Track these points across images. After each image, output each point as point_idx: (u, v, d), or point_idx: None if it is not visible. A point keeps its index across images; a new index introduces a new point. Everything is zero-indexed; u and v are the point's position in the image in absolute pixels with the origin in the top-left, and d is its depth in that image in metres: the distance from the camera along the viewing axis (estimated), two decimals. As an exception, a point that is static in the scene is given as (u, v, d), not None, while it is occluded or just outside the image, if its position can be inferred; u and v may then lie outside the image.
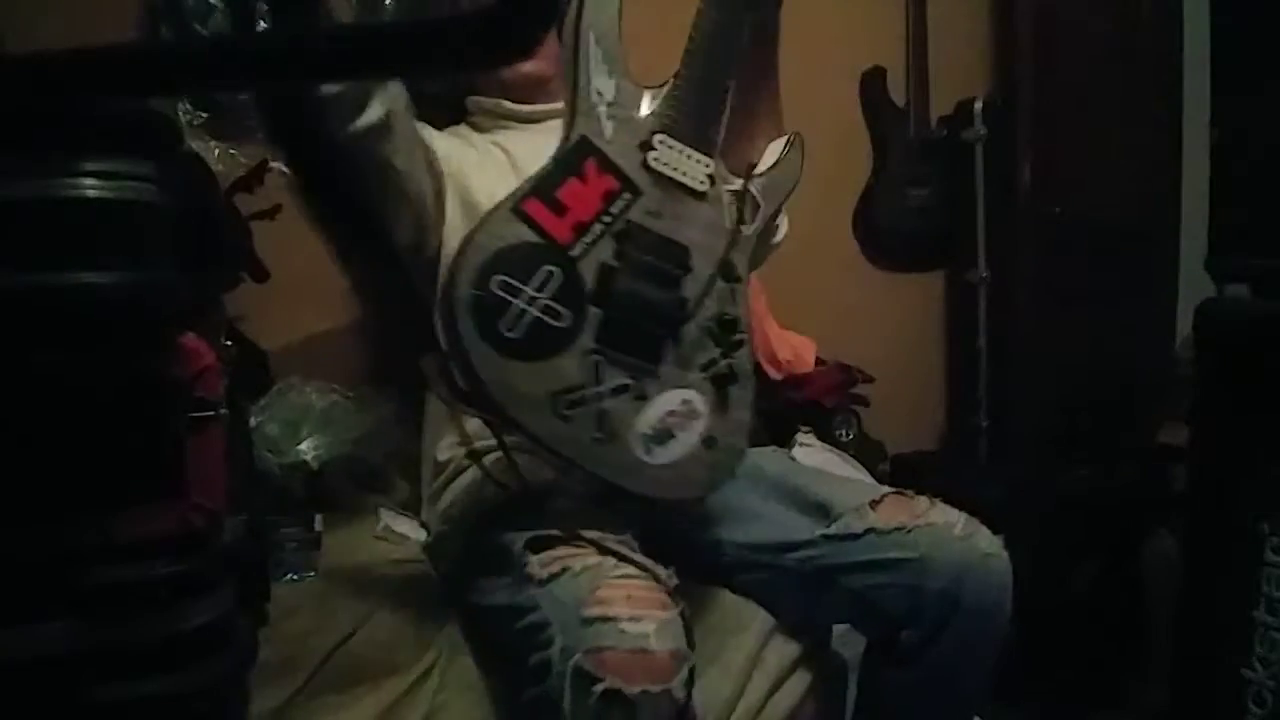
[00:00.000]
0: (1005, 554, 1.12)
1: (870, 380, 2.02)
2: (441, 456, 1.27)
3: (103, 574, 0.65)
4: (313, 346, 1.63)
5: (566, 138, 1.04)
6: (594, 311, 1.01)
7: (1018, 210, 2.11)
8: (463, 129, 1.43)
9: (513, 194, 1.00)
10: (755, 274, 1.90)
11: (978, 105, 2.10)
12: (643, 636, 0.94)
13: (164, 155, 0.70)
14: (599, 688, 0.92)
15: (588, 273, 1.01)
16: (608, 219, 1.03)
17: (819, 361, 1.99)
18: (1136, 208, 2.20)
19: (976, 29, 2.28)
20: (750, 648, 1.20)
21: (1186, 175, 2.17)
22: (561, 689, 0.95)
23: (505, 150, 1.34)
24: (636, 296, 1.04)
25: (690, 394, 1.07)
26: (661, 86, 1.08)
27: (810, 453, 1.74)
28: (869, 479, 1.69)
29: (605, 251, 1.03)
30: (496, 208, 1.00)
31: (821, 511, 1.16)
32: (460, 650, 1.15)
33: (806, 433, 1.81)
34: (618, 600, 0.97)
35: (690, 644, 0.97)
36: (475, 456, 1.17)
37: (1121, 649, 1.86)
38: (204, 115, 1.74)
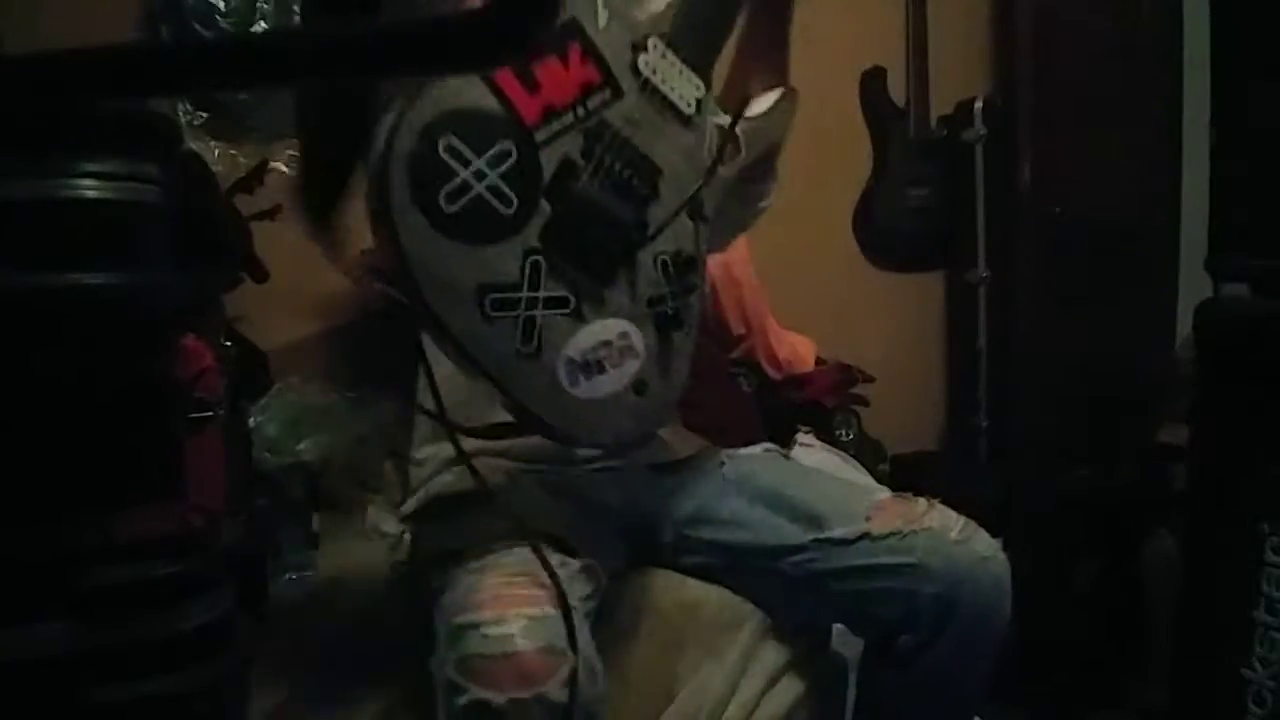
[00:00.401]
0: (1003, 557, 1.10)
1: (870, 380, 2.02)
2: (418, 457, 1.26)
3: (102, 574, 0.65)
4: (312, 346, 1.63)
5: None
6: (545, 206, 0.88)
7: (1018, 210, 2.11)
8: None
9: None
10: (756, 273, 1.93)
11: (978, 105, 2.11)
12: (506, 639, 0.89)
13: (164, 156, 0.70)
14: (463, 699, 0.88)
15: (548, 163, 0.88)
16: (581, 111, 0.90)
17: (819, 361, 1.99)
18: (1136, 208, 2.20)
19: (976, 29, 2.28)
20: (745, 644, 1.20)
21: (1186, 175, 2.17)
22: (440, 702, 0.91)
23: None
24: (597, 204, 0.91)
25: (630, 329, 0.95)
26: None
27: (810, 453, 1.73)
28: (869, 479, 1.68)
29: (572, 146, 0.90)
30: None
31: (813, 521, 1.13)
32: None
33: (806, 433, 1.81)
34: (485, 603, 0.92)
35: (573, 642, 0.90)
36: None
37: (1121, 649, 1.86)
38: (204, 115, 1.75)
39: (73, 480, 0.65)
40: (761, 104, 1.11)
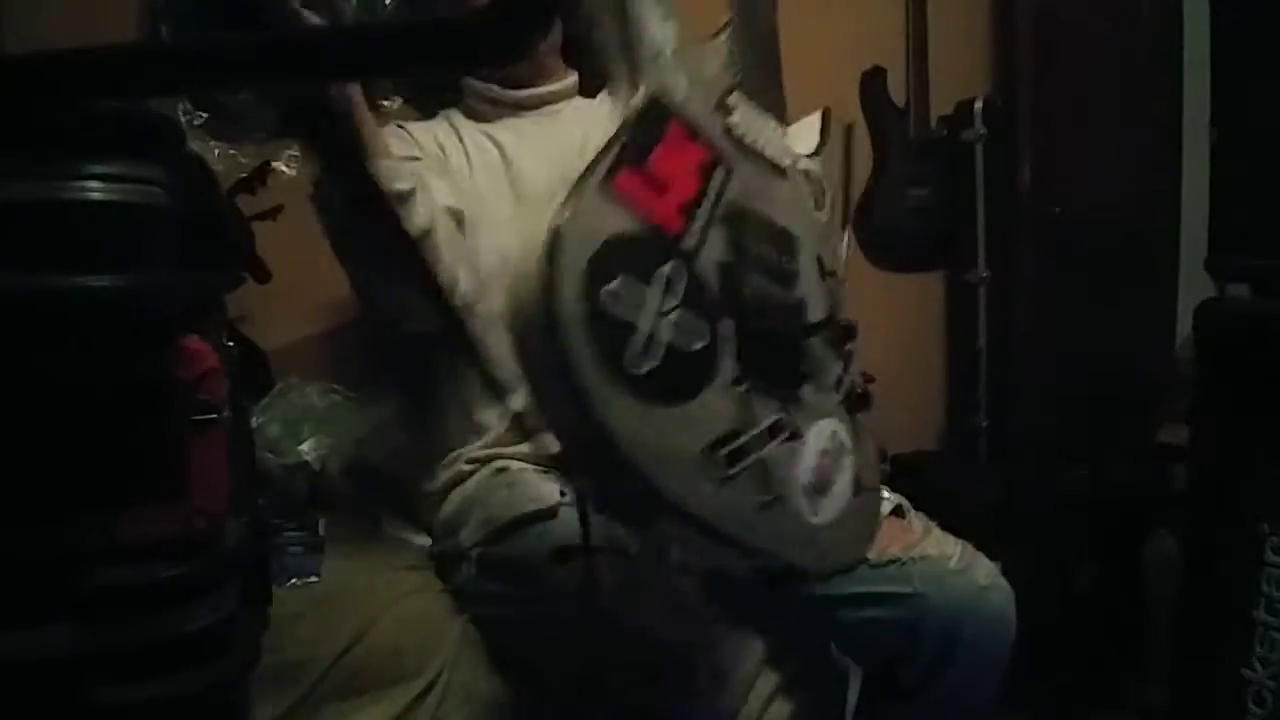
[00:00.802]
0: (1003, 583, 1.09)
1: (870, 380, 2.02)
2: (444, 460, 1.26)
3: (106, 576, 0.65)
4: (314, 347, 1.63)
5: (620, 97, 0.77)
6: (727, 324, 0.75)
7: (1018, 210, 2.11)
8: (456, 116, 1.36)
9: (590, 167, 0.70)
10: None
11: (978, 105, 2.10)
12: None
13: (166, 157, 0.70)
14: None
15: (708, 271, 0.75)
16: (712, 198, 0.77)
17: (819, 361, 1.99)
18: (1136, 208, 2.20)
19: (976, 29, 2.28)
20: (755, 659, 1.20)
21: (1186, 175, 2.17)
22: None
23: (498, 144, 1.29)
24: (764, 300, 0.79)
25: (835, 424, 0.85)
26: (715, 35, 0.85)
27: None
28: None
29: (718, 242, 0.76)
30: (579, 183, 0.69)
31: None
32: (464, 661, 1.15)
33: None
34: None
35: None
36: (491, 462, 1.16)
37: (1121, 649, 1.86)
38: (204, 115, 1.74)
39: (76, 482, 0.65)
40: (808, 132, 1.00)
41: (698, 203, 0.75)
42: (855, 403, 0.87)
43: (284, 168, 1.80)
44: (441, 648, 1.14)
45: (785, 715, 1.22)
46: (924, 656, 1.06)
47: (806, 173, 0.92)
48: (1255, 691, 1.36)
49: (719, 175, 0.78)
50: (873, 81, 2.14)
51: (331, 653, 1.09)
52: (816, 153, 0.96)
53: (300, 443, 1.44)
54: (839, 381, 0.87)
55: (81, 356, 0.65)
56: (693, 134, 0.77)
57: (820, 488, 0.81)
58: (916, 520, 1.13)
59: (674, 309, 0.71)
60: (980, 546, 1.13)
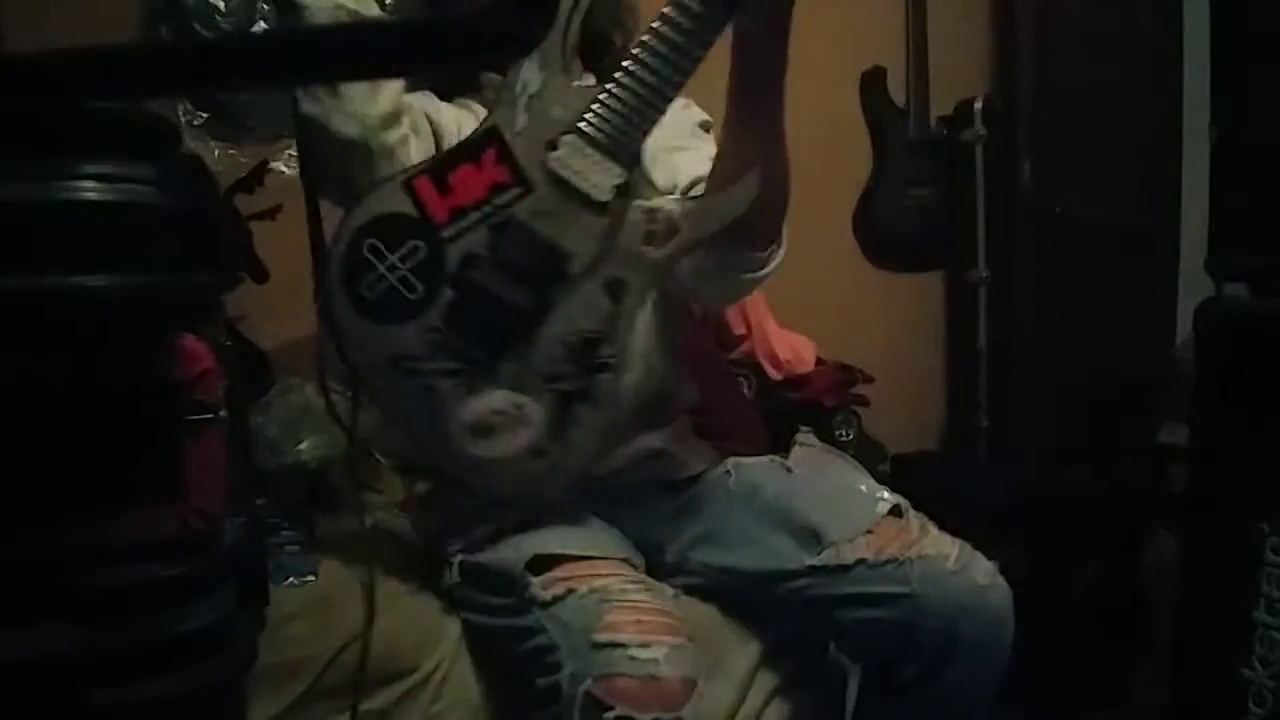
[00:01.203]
0: (1002, 582, 1.09)
1: (870, 380, 2.02)
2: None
3: (102, 576, 0.65)
4: (313, 347, 1.62)
5: (481, 123, 1.06)
6: (447, 293, 1.04)
7: (1018, 210, 2.11)
8: (475, 106, 1.35)
9: (413, 167, 1.06)
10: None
11: (978, 105, 2.11)
12: (653, 663, 0.95)
13: (164, 157, 0.70)
14: (610, 715, 0.93)
15: (454, 255, 1.04)
16: (488, 209, 1.04)
17: (819, 361, 1.99)
18: (1136, 208, 2.20)
19: (976, 29, 2.28)
20: (750, 657, 1.20)
21: (1186, 175, 2.17)
22: (571, 715, 0.95)
23: None
24: (491, 291, 1.04)
25: (524, 400, 1.06)
26: (602, 85, 1.04)
27: (810, 453, 1.73)
28: (869, 479, 1.68)
29: (478, 240, 1.04)
30: (392, 177, 1.05)
31: (812, 537, 1.12)
32: (458, 661, 1.15)
33: (806, 433, 1.81)
34: (627, 625, 0.97)
35: (696, 674, 0.99)
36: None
37: (1121, 649, 1.86)
38: (204, 115, 1.74)
39: (72, 482, 0.65)
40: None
41: (472, 209, 1.04)
42: (567, 397, 1.07)
43: (283, 168, 1.80)
44: (436, 646, 1.15)
45: (784, 715, 1.22)
46: (922, 656, 1.07)
47: (651, 210, 1.05)
48: (1255, 691, 1.36)
49: (509, 195, 1.04)
50: (873, 81, 2.14)
51: (328, 651, 1.09)
52: (704, 199, 1.10)
53: (299, 443, 1.44)
54: (559, 377, 1.06)
55: (78, 356, 0.65)
56: (505, 160, 1.04)
57: (479, 431, 1.06)
58: (915, 520, 1.13)
59: (406, 269, 1.04)
60: (980, 547, 1.13)
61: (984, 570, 1.08)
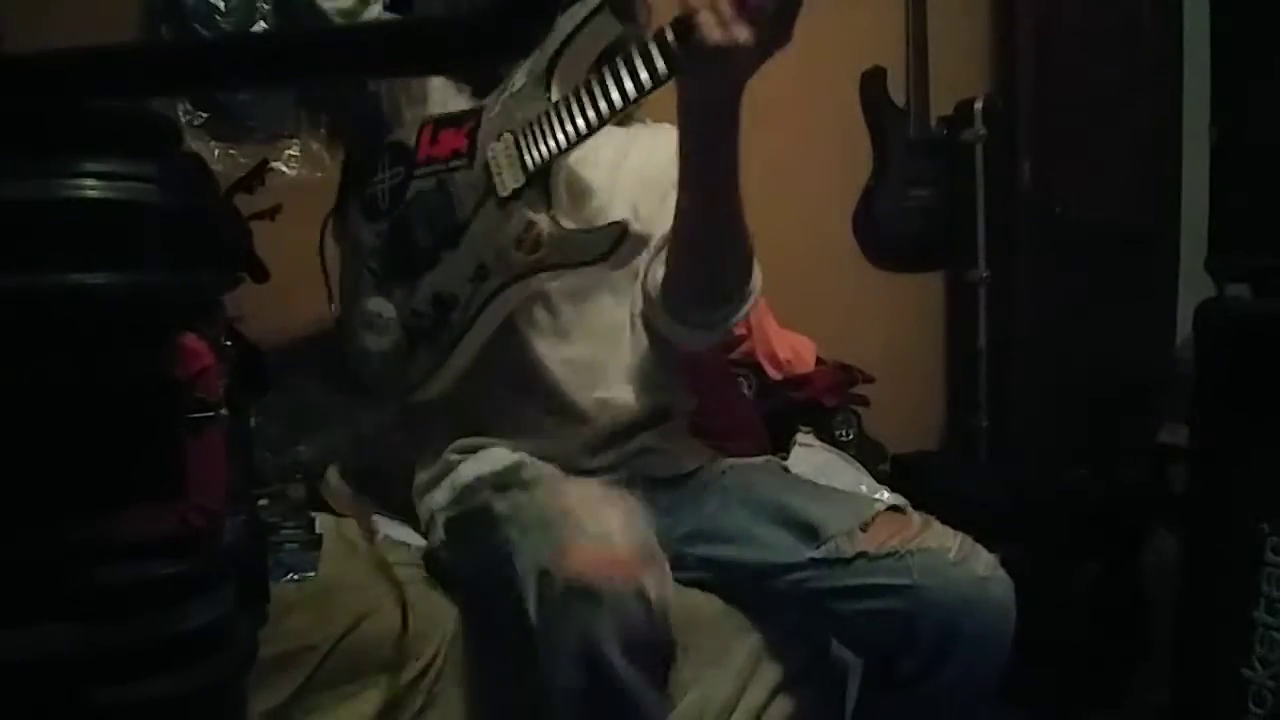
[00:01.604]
0: (1003, 574, 1.09)
1: (870, 380, 2.02)
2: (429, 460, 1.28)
3: (103, 575, 0.65)
4: (313, 347, 1.63)
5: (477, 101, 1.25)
6: (394, 213, 1.26)
7: (1018, 210, 2.11)
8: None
9: (433, 115, 1.26)
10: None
11: (978, 105, 2.11)
12: (605, 535, 0.95)
13: (163, 155, 0.70)
14: (562, 581, 0.92)
15: (411, 189, 1.25)
16: (441, 166, 1.24)
17: (819, 361, 1.99)
18: (1136, 208, 2.20)
19: (976, 29, 2.28)
20: (753, 650, 1.20)
21: (1186, 175, 2.17)
22: (526, 593, 0.95)
23: None
24: (410, 226, 1.24)
25: (393, 316, 1.25)
26: (560, 98, 1.15)
27: (810, 453, 1.73)
28: (869, 479, 1.68)
29: (425, 185, 1.24)
30: (424, 118, 1.27)
31: (811, 532, 1.13)
32: (457, 646, 1.15)
33: (806, 433, 1.81)
34: (575, 501, 1.00)
35: (656, 549, 0.99)
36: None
37: (1121, 649, 1.86)
38: (204, 115, 1.75)
39: (72, 480, 0.65)
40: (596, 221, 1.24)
41: (436, 162, 1.24)
42: (410, 332, 1.26)
43: (283, 167, 1.80)
44: (438, 632, 1.15)
45: (787, 710, 1.22)
46: (923, 648, 1.06)
47: (530, 222, 1.17)
48: (1255, 691, 1.36)
49: (457, 162, 1.23)
50: (873, 81, 2.14)
51: (328, 644, 1.10)
52: (573, 232, 1.20)
53: (299, 443, 1.44)
54: (414, 314, 1.24)
55: (78, 354, 0.65)
56: (470, 135, 1.23)
57: (364, 321, 1.28)
58: (916, 516, 1.13)
59: (388, 184, 1.27)
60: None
61: (985, 562, 1.09)
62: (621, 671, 0.92)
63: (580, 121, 1.11)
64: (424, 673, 1.12)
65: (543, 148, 1.15)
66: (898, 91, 2.14)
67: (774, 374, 1.94)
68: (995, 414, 2.13)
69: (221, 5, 1.70)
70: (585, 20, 1.13)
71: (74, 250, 0.64)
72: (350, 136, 1.41)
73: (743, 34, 0.97)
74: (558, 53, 1.15)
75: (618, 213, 1.23)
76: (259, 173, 1.46)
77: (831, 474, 1.56)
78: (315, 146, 1.84)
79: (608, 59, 1.09)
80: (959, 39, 2.21)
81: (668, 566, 0.99)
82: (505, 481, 1.14)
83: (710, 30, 0.97)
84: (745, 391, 1.90)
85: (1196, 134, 2.02)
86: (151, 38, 1.65)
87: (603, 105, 1.09)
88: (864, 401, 2.01)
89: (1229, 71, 1.50)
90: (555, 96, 1.15)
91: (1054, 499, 1.92)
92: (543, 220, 1.16)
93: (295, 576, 1.18)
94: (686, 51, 1.01)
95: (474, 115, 1.21)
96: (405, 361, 1.23)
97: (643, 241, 1.20)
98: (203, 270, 0.74)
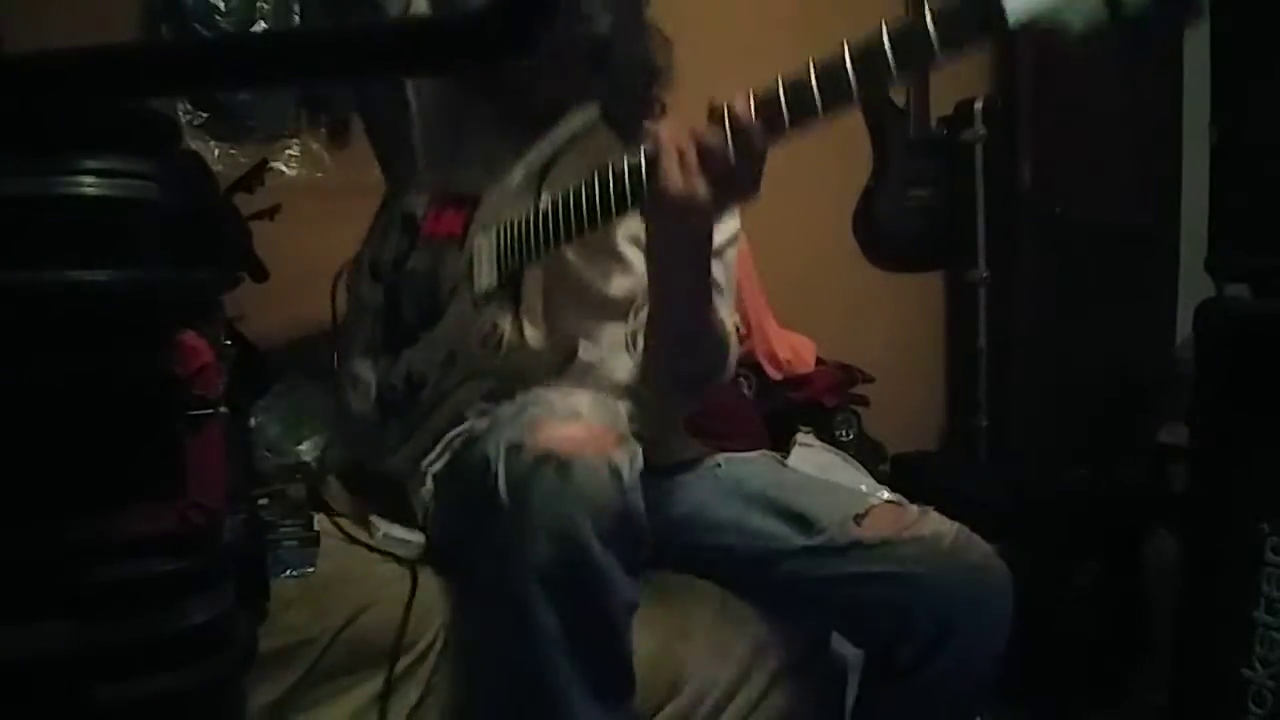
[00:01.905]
0: (999, 563, 1.09)
1: (870, 380, 2.02)
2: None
3: (102, 572, 0.65)
4: (313, 346, 1.63)
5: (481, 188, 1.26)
6: (391, 280, 1.30)
7: (1018, 210, 2.11)
8: None
9: (443, 188, 1.28)
10: (756, 271, 1.93)
11: (978, 105, 2.11)
12: (575, 412, 0.96)
13: (161, 153, 0.70)
14: (530, 454, 0.91)
15: (409, 261, 1.28)
16: (438, 245, 1.26)
17: (819, 361, 1.99)
18: (1136, 208, 2.20)
19: (976, 29, 2.27)
20: (751, 643, 1.20)
21: (1186, 175, 2.17)
22: (495, 473, 0.93)
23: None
24: (400, 299, 1.27)
25: (371, 383, 1.27)
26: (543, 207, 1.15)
27: (810, 453, 1.74)
28: (869, 479, 1.68)
29: (420, 262, 1.27)
30: (434, 188, 1.30)
31: (805, 524, 1.13)
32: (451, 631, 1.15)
33: (806, 433, 1.81)
34: (547, 394, 1.02)
35: (627, 431, 0.99)
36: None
37: (1121, 649, 1.86)
38: (204, 115, 1.75)
39: (72, 477, 0.65)
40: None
41: (434, 240, 1.27)
42: (383, 403, 1.27)
43: (283, 167, 1.80)
44: (435, 622, 1.15)
45: (786, 700, 1.22)
46: (921, 636, 1.06)
47: (495, 324, 1.17)
48: (1255, 691, 1.36)
49: (449, 245, 1.24)
50: (873, 81, 2.14)
51: (328, 634, 1.10)
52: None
53: (299, 442, 1.45)
54: (389, 389, 1.26)
55: (76, 352, 0.65)
56: (467, 222, 1.24)
57: (352, 381, 1.31)
58: (912, 506, 1.13)
59: (395, 251, 1.31)
60: (979, 546, 1.13)
61: (981, 551, 1.09)
62: (593, 547, 0.90)
63: (553, 235, 1.11)
64: (421, 663, 1.12)
65: (517, 254, 1.15)
66: (898, 91, 2.14)
67: (774, 374, 1.94)
68: (995, 414, 2.13)
69: (221, 5, 1.70)
70: (583, 130, 1.16)
71: (73, 247, 0.64)
72: (393, 175, 1.41)
73: (700, 188, 0.96)
74: (553, 157, 1.17)
75: (631, 256, 1.24)
76: (258, 172, 1.46)
77: (831, 474, 1.56)
78: (315, 146, 1.84)
79: (597, 173, 1.08)
80: (959, 39, 2.21)
81: (639, 450, 0.97)
82: (488, 409, 1.15)
83: (672, 179, 0.97)
84: (745, 391, 1.90)
85: (1196, 134, 2.02)
86: (151, 38, 1.65)
87: (573, 223, 1.09)
88: (864, 401, 2.01)
89: (1229, 71, 1.50)
90: (544, 201, 1.15)
91: (1054, 499, 1.92)
92: (507, 325, 1.16)
93: (294, 573, 1.18)
94: (649, 192, 1.00)
95: (473, 200, 1.23)
96: (378, 430, 1.25)
97: (589, 367, 1.22)
98: (202, 268, 0.74)
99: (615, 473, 0.92)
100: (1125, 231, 2.16)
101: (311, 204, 1.39)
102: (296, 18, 1.75)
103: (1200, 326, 1.49)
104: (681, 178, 0.97)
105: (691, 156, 0.96)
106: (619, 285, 1.26)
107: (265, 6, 1.73)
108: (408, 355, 1.23)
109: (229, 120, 1.76)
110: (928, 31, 0.91)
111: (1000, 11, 0.87)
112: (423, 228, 1.28)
